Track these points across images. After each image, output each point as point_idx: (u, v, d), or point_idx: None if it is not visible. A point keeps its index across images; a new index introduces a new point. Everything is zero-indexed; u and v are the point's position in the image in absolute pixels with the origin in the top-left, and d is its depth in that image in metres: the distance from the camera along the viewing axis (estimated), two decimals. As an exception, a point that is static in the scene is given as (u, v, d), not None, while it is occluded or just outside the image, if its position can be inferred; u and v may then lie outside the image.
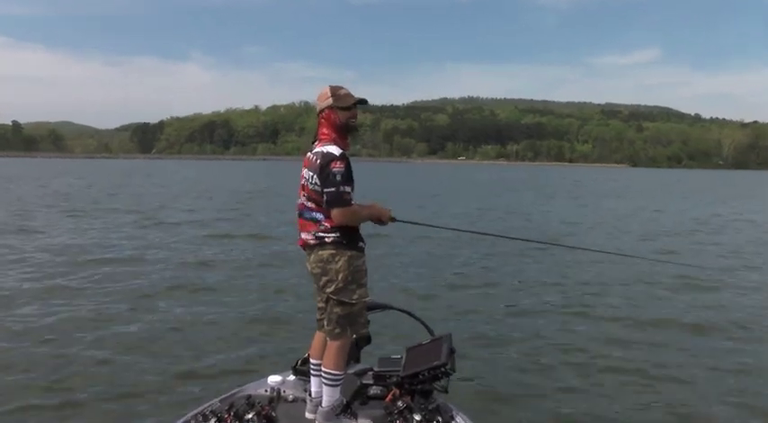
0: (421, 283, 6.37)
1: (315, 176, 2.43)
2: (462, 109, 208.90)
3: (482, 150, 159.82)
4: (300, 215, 2.53)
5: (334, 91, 2.51)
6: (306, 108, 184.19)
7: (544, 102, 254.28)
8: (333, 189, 2.37)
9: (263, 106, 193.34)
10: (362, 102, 2.51)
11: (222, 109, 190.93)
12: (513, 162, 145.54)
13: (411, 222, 2.76)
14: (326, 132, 2.49)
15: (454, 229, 3.47)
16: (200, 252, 8.29)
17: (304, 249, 2.56)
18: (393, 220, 2.60)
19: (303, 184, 2.52)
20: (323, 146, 2.45)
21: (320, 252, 2.46)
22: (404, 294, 5.83)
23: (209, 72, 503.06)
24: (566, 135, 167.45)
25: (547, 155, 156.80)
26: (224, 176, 39.30)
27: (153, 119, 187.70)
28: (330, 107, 2.49)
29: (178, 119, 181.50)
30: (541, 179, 45.01)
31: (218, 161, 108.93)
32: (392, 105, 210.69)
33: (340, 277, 2.44)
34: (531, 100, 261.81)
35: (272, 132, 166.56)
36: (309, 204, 2.49)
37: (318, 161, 2.41)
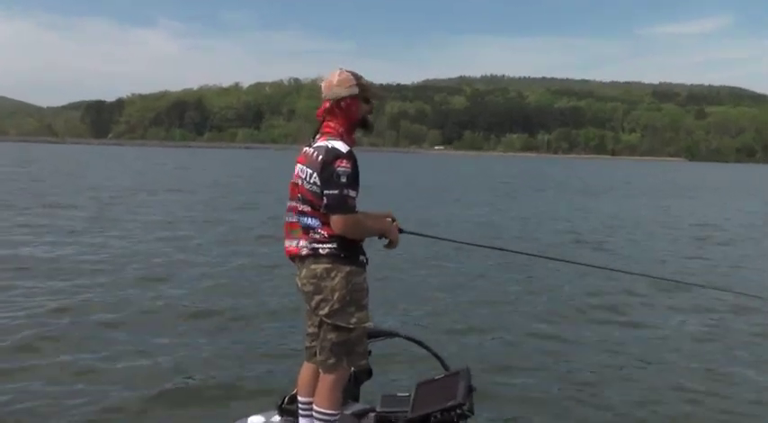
0: (431, 305, 6.32)
1: (314, 175, 2.44)
2: (483, 90, 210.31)
3: (506, 140, 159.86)
4: (290, 220, 2.55)
5: (357, 77, 2.53)
6: (296, 86, 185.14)
7: (582, 81, 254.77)
8: (335, 191, 2.38)
9: (245, 84, 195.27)
10: (382, 98, 2.60)
11: (195, 86, 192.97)
12: (544, 154, 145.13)
13: (423, 235, 2.78)
14: (334, 125, 2.52)
15: (472, 244, 3.42)
16: (153, 261, 8.08)
17: (293, 261, 2.56)
18: (399, 231, 2.63)
19: (297, 184, 2.52)
20: (327, 140, 2.47)
21: (313, 266, 2.47)
22: (411, 318, 5.80)
23: (178, 41, 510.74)
24: (608, 122, 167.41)
25: (585, 146, 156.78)
26: (197, 167, 39.19)
27: (109, 96, 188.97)
28: (354, 96, 2.51)
29: (141, 97, 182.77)
30: (580, 175, 44.70)
31: (190, 149, 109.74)
32: (399, 85, 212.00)
33: (336, 297, 2.44)
34: (567, 79, 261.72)
35: (255, 115, 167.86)
36: (303, 207, 2.50)
37: (321, 157, 2.43)
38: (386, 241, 2.62)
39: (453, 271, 8.16)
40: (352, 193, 2.40)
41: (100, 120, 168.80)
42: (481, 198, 20.13)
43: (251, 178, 28.14)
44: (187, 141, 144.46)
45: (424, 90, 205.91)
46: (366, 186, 2.81)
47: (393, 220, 2.67)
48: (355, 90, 2.52)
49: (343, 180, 2.38)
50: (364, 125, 2.58)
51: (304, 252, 2.49)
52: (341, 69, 2.56)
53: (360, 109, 2.54)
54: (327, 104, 2.53)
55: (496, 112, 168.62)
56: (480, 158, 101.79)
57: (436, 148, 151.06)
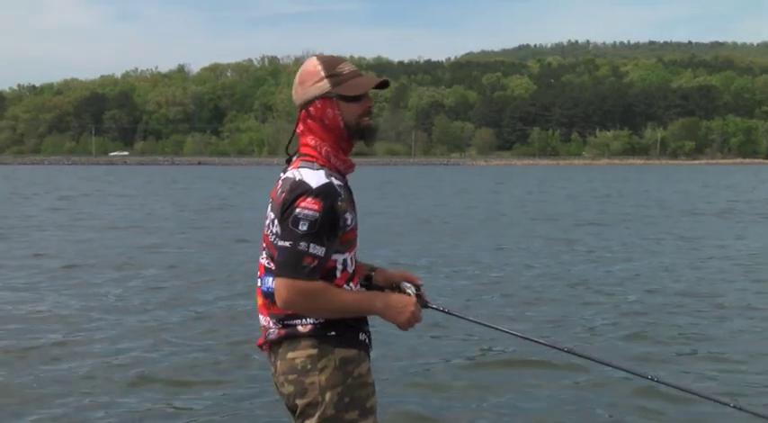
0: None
1: (276, 220, 2.69)
2: (558, 66, 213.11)
3: (595, 141, 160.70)
4: (258, 284, 2.82)
5: (331, 66, 2.72)
6: (272, 70, 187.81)
7: (715, 45, 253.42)
8: (287, 243, 2.58)
9: (195, 67, 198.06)
10: (383, 85, 2.76)
11: (118, 73, 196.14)
12: (655, 161, 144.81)
13: (463, 317, 3.17)
14: (312, 142, 2.74)
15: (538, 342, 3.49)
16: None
17: (264, 352, 2.85)
18: (423, 305, 2.90)
19: (264, 231, 2.79)
20: (299, 167, 2.69)
21: (290, 355, 2.69)
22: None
23: (91, 6, 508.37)
24: (760, 107, 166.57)
25: (721, 146, 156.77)
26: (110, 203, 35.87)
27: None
28: (325, 96, 2.70)
29: (33, 90, 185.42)
30: (736, 196, 40.63)
31: (114, 167, 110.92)
32: (429, 62, 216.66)
33: (327, 398, 2.64)
34: (690, 44, 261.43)
35: (211, 114, 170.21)
36: (271, 265, 2.73)
37: (284, 195, 2.65)
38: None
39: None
40: (313, 250, 2.55)
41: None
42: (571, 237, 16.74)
43: (209, 229, 21.91)
44: (109, 155, 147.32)
45: (467, 69, 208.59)
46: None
47: (406, 289, 2.88)
48: (326, 86, 2.68)
49: (303, 229, 2.55)
50: (360, 133, 2.75)
51: (274, 334, 2.71)
52: (313, 57, 2.75)
53: (341, 112, 2.70)
54: (299, 113, 2.76)
55: (579, 98, 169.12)
56: (558, 170, 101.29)
57: (489, 157, 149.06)
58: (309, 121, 2.74)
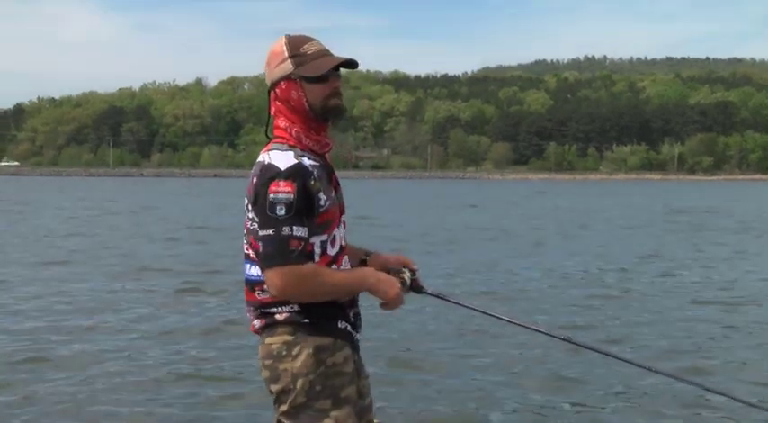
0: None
1: (250, 206, 2.67)
2: (574, 81, 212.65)
3: (612, 155, 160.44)
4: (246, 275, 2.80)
5: (295, 46, 2.70)
6: None
7: (733, 61, 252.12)
8: (270, 232, 2.55)
9: (212, 80, 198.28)
10: (349, 64, 2.72)
11: (136, 86, 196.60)
12: (673, 177, 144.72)
13: (458, 303, 3.13)
14: (283, 124, 2.74)
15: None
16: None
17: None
18: (419, 290, 2.89)
19: (245, 217, 2.78)
20: (270, 150, 2.69)
21: (268, 340, 2.69)
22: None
23: (109, 19, 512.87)
24: None
25: (740, 162, 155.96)
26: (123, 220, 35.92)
27: (2, 102, 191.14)
28: (288, 78, 2.70)
29: (53, 102, 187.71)
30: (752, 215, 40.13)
31: (129, 178, 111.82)
32: (447, 76, 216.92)
33: (298, 386, 2.63)
34: (708, 59, 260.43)
35: (228, 127, 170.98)
36: (249, 251, 2.73)
37: (254, 179, 2.65)
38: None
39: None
40: (297, 232, 2.54)
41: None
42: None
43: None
44: (126, 168, 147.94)
45: (484, 83, 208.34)
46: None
47: (401, 273, 2.84)
48: (288, 67, 2.67)
49: (281, 213, 2.52)
50: (327, 114, 2.72)
51: (258, 323, 2.71)
52: (282, 36, 2.74)
53: (305, 94, 2.67)
54: (268, 95, 2.77)
55: (596, 114, 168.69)
56: (575, 185, 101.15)
57: (506, 172, 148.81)
58: (278, 102, 2.75)
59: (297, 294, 2.59)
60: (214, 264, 14.64)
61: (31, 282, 12.50)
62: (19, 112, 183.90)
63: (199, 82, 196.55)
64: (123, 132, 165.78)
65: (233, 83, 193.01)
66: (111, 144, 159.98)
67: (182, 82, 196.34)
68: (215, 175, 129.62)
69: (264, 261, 2.56)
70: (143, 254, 16.69)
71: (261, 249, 2.57)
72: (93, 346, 8.07)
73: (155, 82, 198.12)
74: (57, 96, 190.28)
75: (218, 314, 9.78)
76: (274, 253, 2.52)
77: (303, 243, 2.54)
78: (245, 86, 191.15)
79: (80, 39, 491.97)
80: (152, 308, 10.26)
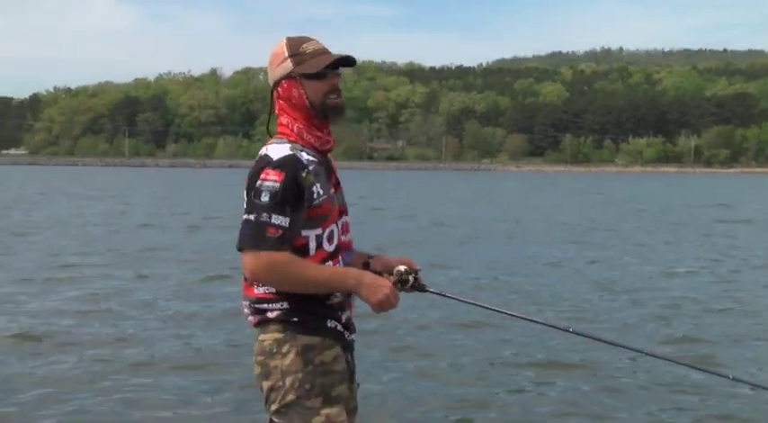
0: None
1: (245, 195, 2.75)
2: (591, 73, 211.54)
3: (628, 147, 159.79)
4: None
5: (295, 46, 2.79)
6: None
7: (751, 53, 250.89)
8: (251, 217, 2.62)
9: (227, 71, 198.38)
10: (346, 62, 2.79)
11: (151, 76, 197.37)
12: (689, 169, 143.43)
13: (460, 299, 3.16)
14: (285, 120, 2.82)
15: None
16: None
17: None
18: (421, 289, 2.90)
19: None
20: (269, 144, 2.78)
21: (261, 336, 2.75)
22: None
23: (124, 10, 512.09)
24: None
25: (756, 154, 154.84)
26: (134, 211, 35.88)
27: (19, 91, 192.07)
28: (289, 76, 2.78)
29: (69, 92, 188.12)
30: None
31: (144, 169, 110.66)
32: (461, 68, 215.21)
33: (287, 383, 2.66)
34: (725, 52, 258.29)
35: (243, 117, 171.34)
36: None
37: (251, 171, 2.73)
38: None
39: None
40: (276, 220, 2.58)
41: (4, 127, 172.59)
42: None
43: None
44: (141, 157, 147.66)
45: (499, 75, 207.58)
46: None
47: (402, 274, 2.84)
48: (289, 66, 2.75)
49: (264, 200, 2.59)
50: (326, 111, 2.79)
51: (253, 319, 2.77)
52: (283, 37, 2.82)
53: (305, 91, 2.76)
54: (271, 94, 2.87)
55: (612, 105, 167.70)
56: (591, 177, 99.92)
57: (521, 163, 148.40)
58: (280, 101, 2.82)
59: (267, 280, 2.64)
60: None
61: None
62: (35, 101, 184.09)
63: (214, 72, 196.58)
64: (139, 122, 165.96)
65: (248, 73, 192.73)
66: (126, 134, 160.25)
67: (197, 72, 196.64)
68: (230, 166, 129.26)
69: (240, 243, 2.61)
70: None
71: (239, 232, 2.64)
72: (110, 329, 8.50)
73: (170, 72, 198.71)
74: (73, 86, 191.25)
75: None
76: (251, 236, 2.58)
77: (282, 232, 2.58)
78: (260, 77, 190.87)
79: (96, 28, 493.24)
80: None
